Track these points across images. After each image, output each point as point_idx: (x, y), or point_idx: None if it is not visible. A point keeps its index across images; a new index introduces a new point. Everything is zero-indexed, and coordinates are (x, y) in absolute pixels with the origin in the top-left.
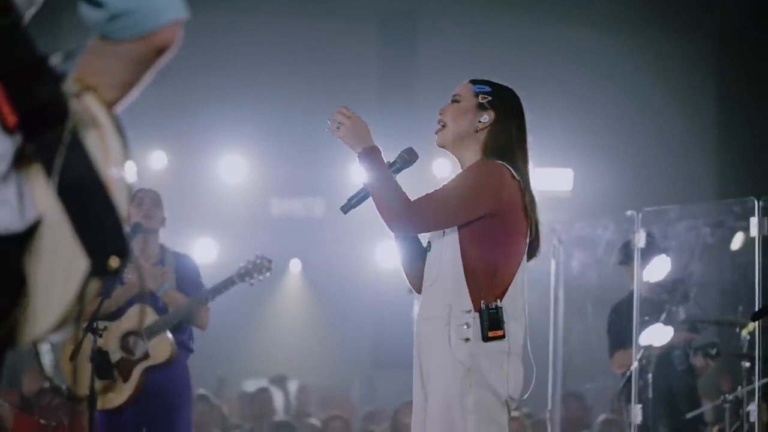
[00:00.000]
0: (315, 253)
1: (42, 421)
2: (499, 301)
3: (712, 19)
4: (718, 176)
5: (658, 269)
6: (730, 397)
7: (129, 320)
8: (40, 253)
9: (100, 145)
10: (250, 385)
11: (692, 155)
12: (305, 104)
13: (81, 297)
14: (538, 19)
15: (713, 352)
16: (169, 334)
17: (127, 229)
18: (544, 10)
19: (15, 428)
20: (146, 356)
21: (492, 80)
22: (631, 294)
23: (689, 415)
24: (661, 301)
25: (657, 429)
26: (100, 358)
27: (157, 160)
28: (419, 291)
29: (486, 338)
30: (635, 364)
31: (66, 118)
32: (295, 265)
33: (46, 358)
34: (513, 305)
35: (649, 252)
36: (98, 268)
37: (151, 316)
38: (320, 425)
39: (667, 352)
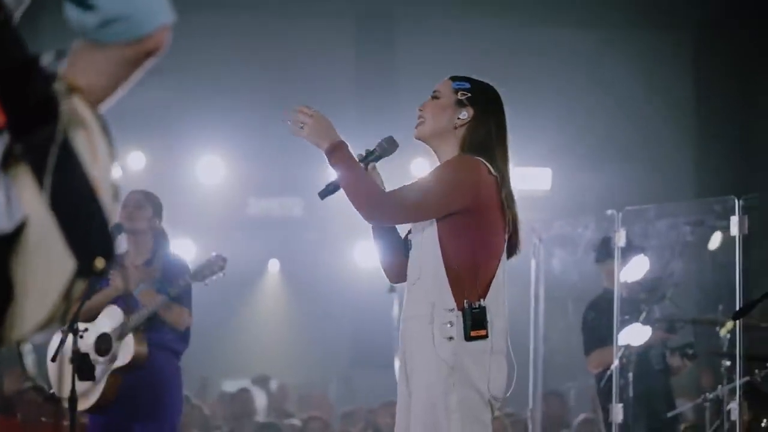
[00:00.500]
0: (293, 252)
1: (22, 421)
2: (482, 300)
3: (691, 15)
4: (698, 175)
5: (635, 269)
6: (710, 396)
7: (101, 322)
8: (26, 253)
9: (88, 145)
10: (230, 386)
11: (672, 154)
12: (283, 105)
13: (67, 297)
14: (516, 19)
15: (690, 352)
16: (136, 336)
17: (112, 230)
18: (522, 10)
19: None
20: (114, 359)
21: (472, 77)
22: (606, 291)
23: (669, 415)
24: (639, 301)
25: (635, 428)
26: (80, 359)
27: (136, 160)
28: (397, 282)
29: (468, 337)
30: (616, 363)
31: (57, 118)
32: (273, 265)
33: (29, 359)
34: (495, 303)
35: (627, 251)
36: (84, 269)
37: (119, 318)
38: (300, 425)
39: (644, 351)
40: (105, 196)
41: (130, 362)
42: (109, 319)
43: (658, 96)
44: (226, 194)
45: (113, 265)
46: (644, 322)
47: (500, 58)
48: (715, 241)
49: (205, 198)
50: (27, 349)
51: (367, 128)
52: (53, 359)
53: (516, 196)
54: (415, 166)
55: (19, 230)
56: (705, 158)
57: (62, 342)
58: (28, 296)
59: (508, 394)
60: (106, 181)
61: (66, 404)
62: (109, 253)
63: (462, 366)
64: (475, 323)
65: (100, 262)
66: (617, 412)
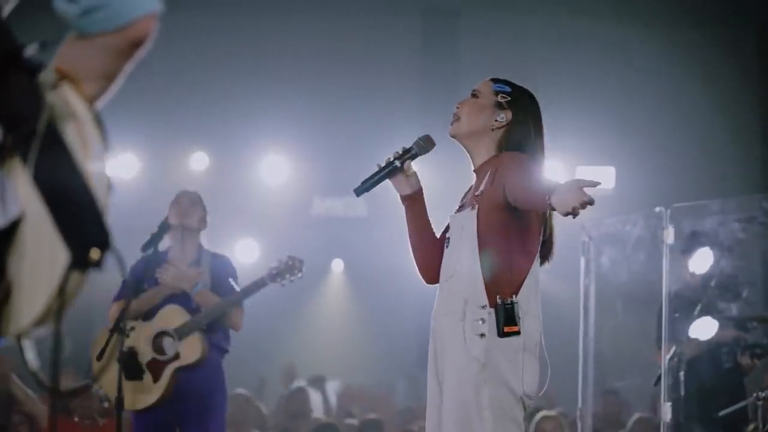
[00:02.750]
0: (357, 252)
1: (79, 420)
2: (514, 296)
3: (751, 11)
4: (752, 172)
5: (700, 262)
6: (762, 394)
7: (161, 321)
8: (21, 247)
9: (79, 137)
10: (293, 386)
11: (730, 151)
12: (347, 103)
13: (62, 290)
14: (580, 18)
15: (759, 351)
16: (199, 335)
17: (106, 221)
18: (587, 8)
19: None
20: (177, 357)
21: (512, 81)
22: (685, 286)
23: (722, 413)
24: (710, 297)
25: (692, 428)
26: (128, 358)
27: (199, 161)
28: (432, 283)
29: (501, 334)
30: (665, 362)
31: (41, 109)
32: (337, 265)
33: (30, 354)
34: (527, 302)
35: (692, 245)
36: (79, 261)
37: (182, 317)
38: (357, 425)
39: (713, 349)
40: (98, 188)
41: (196, 361)
42: (170, 318)
43: (712, 92)
44: (289, 194)
45: (109, 256)
46: (700, 315)
47: (564, 57)
48: None
49: (269, 198)
50: (28, 343)
51: (432, 126)
52: (98, 358)
53: None
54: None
55: (14, 225)
56: (757, 155)
57: (108, 341)
58: (23, 290)
59: (542, 393)
60: (98, 173)
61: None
62: (104, 244)
63: (493, 363)
64: (507, 319)
65: (95, 254)
66: (666, 411)
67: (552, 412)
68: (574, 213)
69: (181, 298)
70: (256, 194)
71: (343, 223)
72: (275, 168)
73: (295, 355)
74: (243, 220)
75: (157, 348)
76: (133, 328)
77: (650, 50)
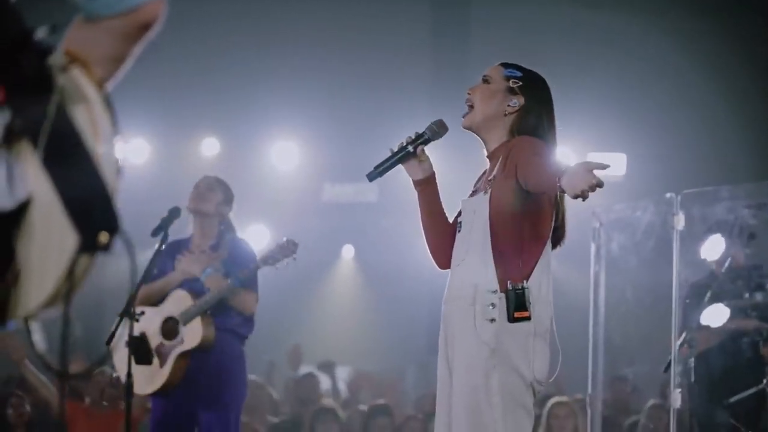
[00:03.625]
0: (368, 238)
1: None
2: (525, 282)
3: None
4: (761, 159)
5: (713, 248)
6: None
7: (169, 305)
8: (30, 230)
9: (89, 120)
10: (302, 371)
11: (739, 139)
12: (358, 90)
13: (71, 273)
14: (588, 9)
15: None
16: (202, 319)
17: (115, 204)
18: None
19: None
20: (181, 341)
21: (523, 66)
22: (710, 274)
23: (733, 399)
24: (736, 288)
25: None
26: (137, 343)
27: (210, 146)
28: (445, 267)
29: (512, 319)
30: (675, 350)
31: (51, 91)
32: (347, 251)
33: (37, 336)
34: (538, 287)
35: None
36: (88, 244)
37: (187, 302)
38: (366, 411)
39: (733, 338)
40: (107, 171)
41: (197, 346)
42: (176, 303)
43: (721, 79)
44: (300, 180)
45: (118, 239)
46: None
47: (576, 46)
48: None
49: (280, 184)
50: (36, 326)
51: (441, 113)
52: (108, 343)
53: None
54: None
55: (22, 207)
56: (764, 142)
57: (117, 326)
58: (32, 273)
59: (552, 379)
60: (108, 156)
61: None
62: (112, 228)
63: (503, 348)
64: (518, 304)
65: (104, 237)
66: (675, 397)
67: (564, 398)
68: (583, 196)
69: (193, 283)
70: (267, 180)
71: (354, 208)
72: (286, 154)
73: (305, 340)
74: (253, 206)
75: (166, 333)
76: (143, 313)
77: (659, 39)
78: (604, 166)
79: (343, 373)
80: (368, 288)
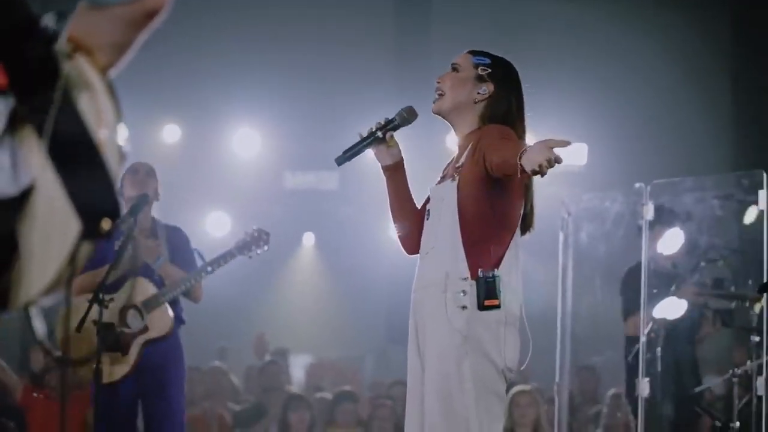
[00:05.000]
0: (328, 226)
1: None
2: (496, 269)
3: None
4: (729, 149)
5: (670, 242)
6: (738, 371)
7: (127, 293)
8: (33, 216)
9: (92, 107)
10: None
11: (704, 128)
12: (320, 78)
13: (73, 260)
14: None
15: (726, 318)
16: (166, 308)
17: (117, 191)
18: None
19: (24, 398)
20: (144, 330)
21: (490, 52)
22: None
23: (698, 390)
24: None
25: (662, 403)
26: (106, 330)
27: (171, 133)
28: (413, 253)
29: (482, 307)
30: (643, 338)
31: (57, 78)
32: (308, 239)
33: (38, 323)
34: (508, 275)
35: (661, 223)
36: (90, 231)
37: (148, 290)
38: (331, 398)
39: (675, 324)
40: (110, 158)
41: (165, 334)
42: (138, 291)
43: (689, 70)
44: (261, 167)
45: (120, 226)
46: (678, 295)
47: (537, 35)
48: (751, 214)
49: (241, 171)
50: (36, 312)
51: (404, 101)
52: (78, 329)
53: (552, 171)
54: (451, 140)
55: (26, 194)
56: (735, 132)
57: (87, 312)
58: (34, 260)
59: (523, 367)
60: (111, 144)
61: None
62: (114, 215)
63: (475, 335)
64: (488, 292)
65: (106, 224)
66: (644, 386)
67: (527, 387)
68: (541, 171)
69: (144, 270)
70: (228, 167)
71: (315, 196)
72: (247, 141)
73: (266, 327)
74: (215, 193)
75: (123, 321)
76: (112, 300)
77: (623, 30)
78: (564, 143)
79: (303, 361)
80: (328, 275)
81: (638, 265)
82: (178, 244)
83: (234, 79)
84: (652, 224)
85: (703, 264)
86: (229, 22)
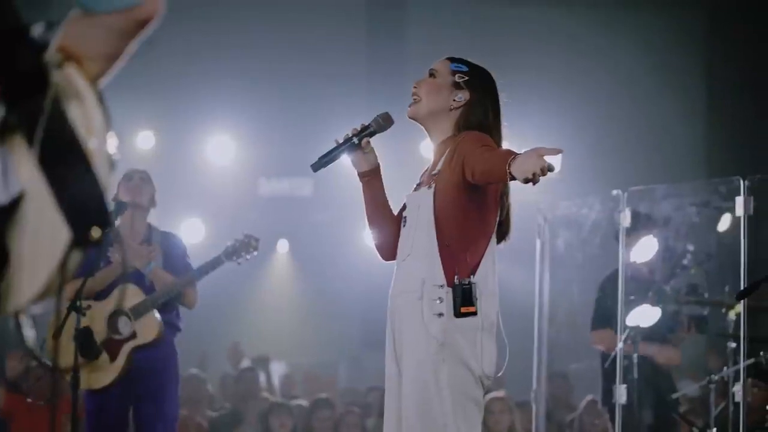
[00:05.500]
0: (303, 233)
1: (29, 399)
2: (473, 276)
3: None
4: (705, 156)
5: (644, 250)
6: (715, 377)
7: (116, 299)
8: (23, 224)
9: (82, 116)
10: (241, 366)
11: (680, 135)
12: (294, 85)
13: (63, 268)
14: (528, 2)
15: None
16: (157, 314)
17: (110, 203)
18: None
19: (4, 407)
20: (133, 336)
21: (469, 60)
22: (627, 266)
23: (675, 396)
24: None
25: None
26: (84, 337)
27: (145, 140)
28: (389, 260)
29: (458, 313)
30: (620, 345)
31: (47, 87)
32: (282, 246)
33: (28, 331)
34: (485, 282)
35: (637, 230)
36: (80, 239)
37: (137, 296)
38: (307, 406)
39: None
40: (100, 167)
41: (153, 340)
42: (126, 297)
43: (667, 77)
44: (236, 174)
45: (109, 234)
46: (654, 303)
47: (511, 40)
48: (725, 222)
49: (215, 178)
50: (26, 321)
51: (378, 109)
52: (55, 336)
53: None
54: (425, 148)
55: (16, 202)
56: (711, 139)
57: (65, 319)
58: (24, 267)
59: (500, 374)
60: (101, 152)
61: (67, 380)
62: (104, 223)
63: (452, 342)
64: (464, 299)
65: (96, 232)
66: (621, 393)
67: (500, 394)
68: (534, 180)
69: (135, 276)
70: (202, 174)
71: (289, 203)
72: (221, 148)
73: (239, 334)
74: (189, 200)
75: (112, 327)
76: (89, 307)
77: (600, 36)
78: (557, 151)
79: (277, 367)
80: (302, 282)
81: (615, 273)
82: (172, 250)
83: (209, 86)
84: (629, 231)
85: (678, 271)
86: (204, 29)
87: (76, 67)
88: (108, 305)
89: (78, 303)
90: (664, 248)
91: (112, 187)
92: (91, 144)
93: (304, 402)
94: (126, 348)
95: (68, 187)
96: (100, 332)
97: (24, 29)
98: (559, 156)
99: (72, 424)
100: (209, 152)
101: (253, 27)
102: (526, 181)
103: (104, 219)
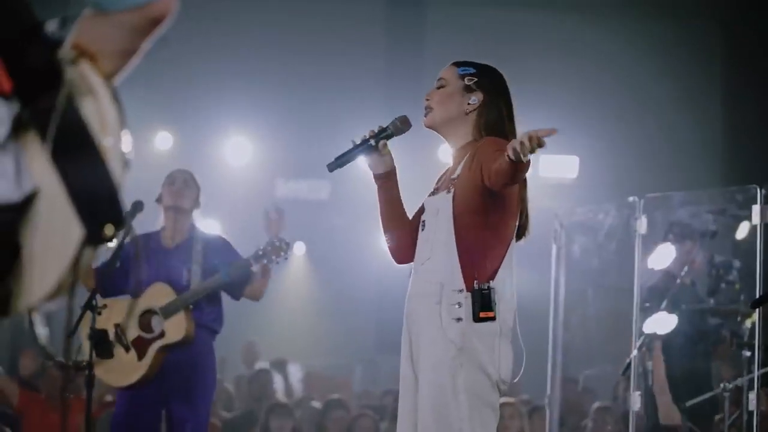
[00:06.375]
0: (319, 236)
1: (46, 397)
2: (491, 281)
3: (719, 4)
4: (722, 164)
5: (662, 257)
6: (729, 385)
7: (147, 298)
8: (36, 222)
9: (96, 113)
10: (258, 366)
11: (697, 142)
12: (312, 86)
13: (75, 266)
14: (547, 10)
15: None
16: (185, 314)
17: (121, 198)
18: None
19: (20, 404)
20: (162, 335)
21: (474, 61)
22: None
23: (689, 404)
24: (695, 291)
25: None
26: (98, 336)
27: (163, 140)
28: (403, 263)
29: (477, 318)
30: (635, 352)
31: (60, 84)
32: (299, 248)
33: (41, 329)
34: (503, 287)
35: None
36: (93, 237)
37: (168, 295)
38: (321, 408)
39: (693, 342)
40: (114, 164)
41: (181, 340)
42: (157, 296)
43: (682, 84)
44: (253, 176)
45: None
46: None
47: (530, 49)
48: (743, 230)
49: (233, 179)
50: (39, 318)
51: (396, 110)
52: (70, 335)
53: (543, 183)
54: (443, 152)
55: (29, 199)
56: (728, 147)
57: (80, 318)
58: (36, 265)
59: (516, 380)
60: (115, 149)
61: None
62: (118, 221)
63: (470, 347)
64: (483, 304)
65: (109, 230)
66: (635, 400)
67: (510, 399)
68: (522, 152)
69: (166, 275)
70: (220, 175)
71: (306, 205)
72: (239, 149)
73: (255, 336)
74: (206, 201)
75: (144, 326)
76: (105, 306)
77: (617, 44)
78: (548, 132)
79: (292, 369)
80: (318, 285)
81: (656, 284)
82: (214, 251)
83: (227, 88)
84: (658, 236)
85: (723, 286)
86: (223, 30)
87: (90, 65)
88: (140, 304)
89: (94, 302)
90: (707, 261)
91: (124, 185)
92: (104, 141)
93: (317, 403)
94: (154, 347)
95: (81, 185)
96: (130, 330)
97: (38, 26)
98: (576, 162)
99: (86, 424)
100: (227, 153)
101: (272, 28)
102: (516, 154)
103: (117, 217)
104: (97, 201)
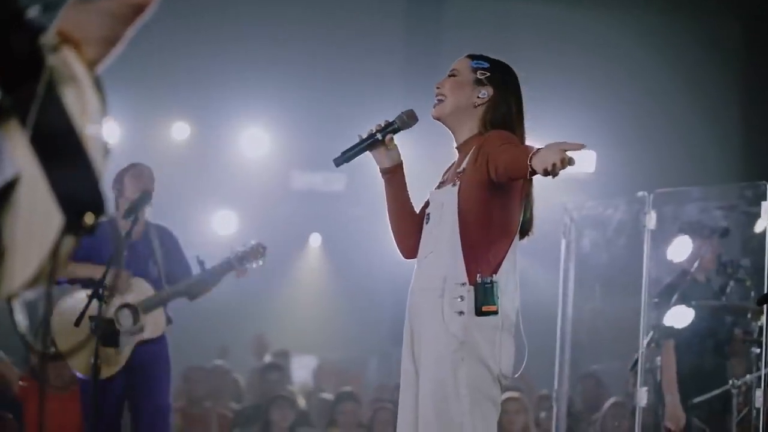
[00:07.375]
0: (335, 227)
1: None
2: (494, 275)
3: (734, 3)
4: (733, 159)
5: (679, 250)
6: (738, 383)
7: (126, 292)
8: (16, 209)
9: (78, 101)
10: (267, 359)
11: (708, 138)
12: (329, 79)
13: (54, 254)
14: (563, 4)
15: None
16: (162, 310)
17: (101, 186)
18: None
19: (21, 391)
20: (140, 330)
21: (489, 56)
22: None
23: (696, 401)
24: (707, 288)
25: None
26: (105, 325)
27: (180, 131)
28: (411, 257)
29: (479, 312)
30: (643, 348)
31: (41, 71)
32: (315, 240)
33: (20, 316)
34: (506, 281)
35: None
36: (73, 225)
37: (147, 291)
38: (332, 399)
39: (702, 338)
40: (95, 153)
41: (158, 337)
42: (136, 291)
43: (694, 79)
44: (269, 167)
45: (102, 220)
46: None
47: (547, 42)
48: (761, 225)
49: (249, 171)
50: (18, 305)
51: (412, 102)
52: (76, 324)
53: (559, 178)
54: (449, 146)
55: (9, 186)
56: (739, 143)
57: (86, 307)
58: (16, 252)
59: (518, 374)
60: (96, 138)
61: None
62: (98, 209)
63: (472, 341)
64: (486, 298)
65: (89, 218)
66: (641, 396)
67: (516, 394)
68: (553, 172)
69: (144, 271)
70: (236, 166)
71: (322, 197)
72: (256, 140)
73: (270, 327)
74: (222, 192)
75: (123, 320)
76: (112, 295)
77: (632, 39)
78: (579, 146)
79: (306, 361)
80: (334, 277)
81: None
82: (170, 247)
83: (244, 79)
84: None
85: (732, 284)
86: (240, 22)
87: (73, 52)
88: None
89: (101, 292)
90: (718, 257)
91: (106, 174)
92: (86, 129)
93: (328, 395)
94: (133, 341)
95: (62, 173)
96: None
97: (19, 11)
98: (593, 157)
99: (92, 410)
100: (243, 144)
101: (289, 20)
102: (546, 173)
103: (98, 205)
104: (77, 189)
